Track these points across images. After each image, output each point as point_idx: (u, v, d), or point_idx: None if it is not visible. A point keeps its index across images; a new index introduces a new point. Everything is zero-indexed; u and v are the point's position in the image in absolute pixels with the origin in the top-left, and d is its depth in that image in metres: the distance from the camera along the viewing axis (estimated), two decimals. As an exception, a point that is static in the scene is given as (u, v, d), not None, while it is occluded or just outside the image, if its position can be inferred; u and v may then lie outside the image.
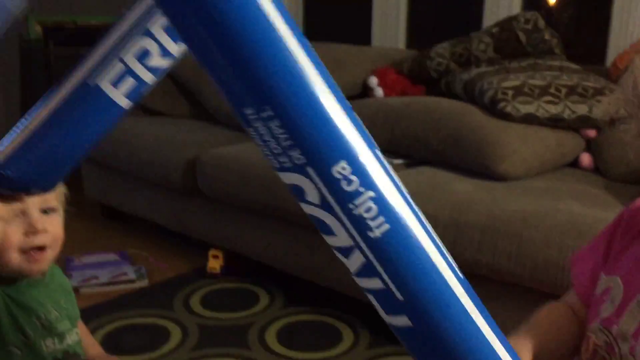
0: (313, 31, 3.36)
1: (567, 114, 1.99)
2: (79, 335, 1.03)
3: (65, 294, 1.03)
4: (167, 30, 0.69)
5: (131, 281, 2.29)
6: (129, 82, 0.69)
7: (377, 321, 1.76)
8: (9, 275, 0.94)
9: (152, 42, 0.68)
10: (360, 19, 3.09)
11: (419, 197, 1.77)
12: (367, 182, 0.45)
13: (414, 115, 2.15)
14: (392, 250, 0.46)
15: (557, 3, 2.88)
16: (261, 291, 2.26)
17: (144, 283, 2.31)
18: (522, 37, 2.29)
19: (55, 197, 0.96)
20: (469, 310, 0.48)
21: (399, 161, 2.19)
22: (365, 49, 2.76)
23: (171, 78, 3.00)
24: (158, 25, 0.68)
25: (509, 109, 1.97)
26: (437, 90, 2.37)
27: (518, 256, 1.57)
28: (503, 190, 1.78)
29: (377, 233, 0.46)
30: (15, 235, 0.90)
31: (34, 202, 0.91)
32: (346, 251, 0.48)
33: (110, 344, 1.87)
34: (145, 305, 2.14)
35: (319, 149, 0.45)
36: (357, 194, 0.45)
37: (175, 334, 1.97)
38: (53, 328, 0.97)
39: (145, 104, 2.97)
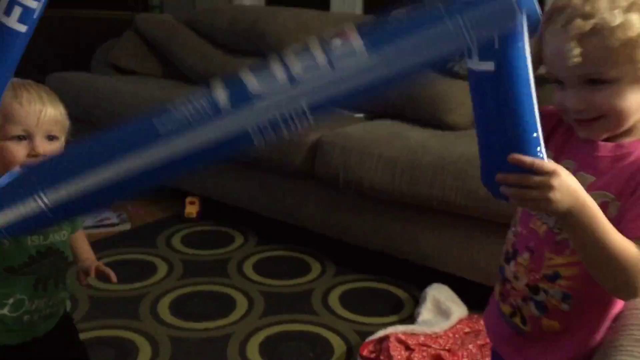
0: (276, -3, 3.56)
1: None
2: (67, 237, 1.19)
3: None
4: None
5: (114, 224, 2.49)
6: (17, 10, 0.93)
7: (340, 254, 2.07)
8: None
9: None
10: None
11: (380, 143, 2.07)
12: None
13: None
14: None
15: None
16: (236, 232, 2.50)
17: (126, 227, 2.50)
18: None
19: (61, 126, 1.15)
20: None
21: (360, 115, 2.45)
22: (327, 13, 2.98)
23: (142, 38, 3.15)
24: None
25: (456, 67, 2.25)
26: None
27: (463, 191, 1.86)
28: (451, 137, 2.07)
29: None
30: (20, 154, 1.08)
31: (38, 128, 1.09)
32: None
33: (101, 277, 2.07)
34: (131, 244, 2.34)
35: None
36: None
37: (162, 268, 2.19)
38: (49, 236, 1.13)
39: (117, 64, 3.12)
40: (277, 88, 0.65)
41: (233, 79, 0.66)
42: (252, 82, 0.65)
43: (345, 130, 2.17)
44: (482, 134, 0.77)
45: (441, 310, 1.85)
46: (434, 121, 2.20)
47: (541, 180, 0.71)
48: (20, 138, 1.06)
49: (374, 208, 2.09)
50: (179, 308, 1.94)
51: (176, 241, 2.41)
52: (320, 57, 0.64)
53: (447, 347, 1.68)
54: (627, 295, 0.81)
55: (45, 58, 3.27)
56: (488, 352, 1.29)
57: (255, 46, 2.82)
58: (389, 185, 1.98)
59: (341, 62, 0.64)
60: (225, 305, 1.97)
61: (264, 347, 1.76)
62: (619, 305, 0.87)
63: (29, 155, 1.07)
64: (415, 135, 2.12)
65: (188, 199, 2.61)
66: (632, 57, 0.77)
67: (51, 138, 1.09)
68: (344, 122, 2.30)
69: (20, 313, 1.12)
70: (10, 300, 1.11)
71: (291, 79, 0.64)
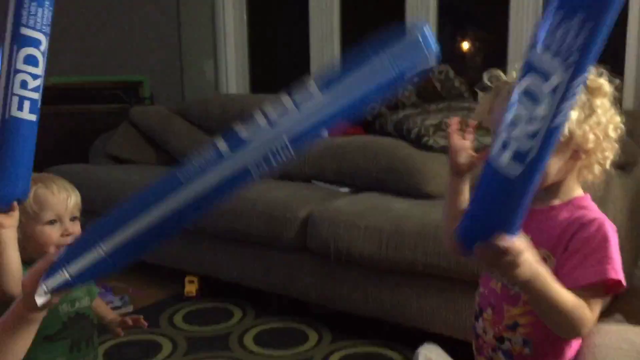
0: (258, 84, 3.82)
1: (476, 144, 2.50)
2: (89, 304, 1.36)
3: None
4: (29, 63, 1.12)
5: (117, 307, 2.59)
6: (27, 104, 1.14)
7: (336, 322, 2.22)
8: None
9: (25, 74, 1.12)
10: (300, 70, 3.57)
11: (366, 214, 2.24)
12: None
13: (355, 151, 2.61)
14: None
15: (466, 53, 3.48)
16: (234, 307, 2.62)
17: (128, 309, 2.61)
18: (438, 85, 2.82)
19: (79, 209, 1.34)
20: None
21: (345, 189, 2.63)
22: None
23: (137, 128, 3.35)
24: (21, 61, 1.12)
25: (430, 142, 2.46)
26: (372, 129, 2.85)
27: (444, 254, 2.02)
28: (430, 205, 2.25)
29: None
30: (54, 236, 1.27)
31: (66, 212, 1.29)
32: None
33: (111, 358, 2.17)
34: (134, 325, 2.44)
35: None
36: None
37: (166, 346, 2.29)
38: (67, 296, 1.28)
39: (116, 155, 3.31)
40: (261, 132, 0.85)
41: (229, 132, 0.87)
42: (242, 131, 0.85)
43: (334, 205, 2.35)
44: (476, 205, 0.86)
45: (434, 369, 1.96)
46: (414, 191, 2.38)
47: (510, 260, 0.83)
48: (52, 222, 1.24)
49: (364, 276, 2.24)
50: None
51: (178, 319, 2.52)
52: (288, 103, 0.84)
53: (441, 403, 1.79)
54: (572, 335, 0.97)
55: (44, 152, 3.44)
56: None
57: (244, 131, 3.03)
58: (376, 253, 2.14)
59: (304, 104, 0.84)
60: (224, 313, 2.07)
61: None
62: (574, 344, 1.02)
63: (61, 236, 1.24)
64: (398, 205, 2.30)
65: (187, 278, 2.74)
66: None
67: (74, 219, 1.27)
68: (332, 197, 2.48)
69: None
70: None
71: (270, 123, 0.84)
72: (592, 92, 0.96)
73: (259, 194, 2.53)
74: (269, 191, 2.56)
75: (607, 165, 1.00)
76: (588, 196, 1.01)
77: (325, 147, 2.72)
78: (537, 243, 0.98)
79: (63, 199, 1.27)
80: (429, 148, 2.47)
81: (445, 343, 2.08)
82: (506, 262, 0.83)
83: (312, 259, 2.36)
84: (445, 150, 2.49)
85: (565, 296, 0.91)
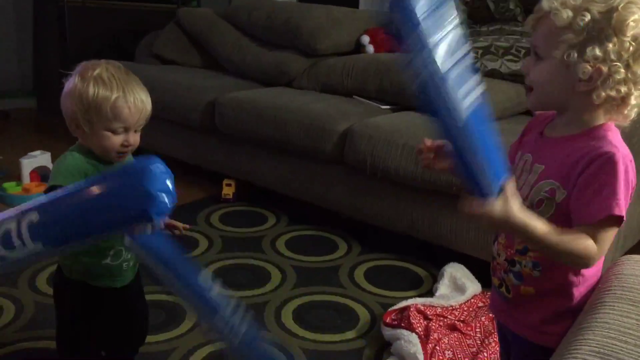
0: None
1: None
2: None
3: None
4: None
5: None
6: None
7: (365, 235, 2.30)
8: (107, 161, 1.35)
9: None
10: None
11: (405, 133, 2.25)
12: None
13: (400, 69, 2.58)
14: None
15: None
16: (269, 213, 2.71)
17: (168, 205, 2.72)
18: (491, 6, 2.73)
19: (146, 120, 1.37)
20: None
21: (386, 107, 2.63)
22: (358, 11, 3.16)
23: (183, 30, 3.36)
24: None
25: (478, 65, 2.42)
26: (419, 48, 2.80)
27: (480, 178, 2.04)
28: (471, 129, 2.24)
29: None
30: (117, 144, 1.32)
31: (134, 126, 1.33)
32: None
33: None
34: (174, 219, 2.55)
35: None
36: None
37: (203, 242, 2.41)
38: None
39: (161, 55, 3.34)
40: None
41: None
42: None
43: (374, 121, 2.36)
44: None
45: (457, 286, 2.04)
46: (456, 114, 2.37)
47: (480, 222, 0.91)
48: (118, 132, 1.28)
49: (398, 192, 2.28)
50: (219, 277, 2.15)
51: (215, 219, 2.62)
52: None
53: (461, 319, 1.87)
54: (578, 267, 1.01)
55: (95, 46, 3.50)
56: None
57: (289, 40, 3.01)
58: (412, 171, 2.16)
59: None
60: (260, 276, 2.18)
61: (297, 313, 1.96)
62: (587, 271, 1.05)
63: (122, 145, 1.29)
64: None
65: (225, 182, 2.82)
66: (556, 43, 0.96)
67: (137, 131, 1.32)
68: (373, 114, 2.49)
69: (120, 262, 1.36)
70: (112, 252, 1.34)
71: None
72: (615, 27, 0.93)
73: (300, 104, 2.56)
74: (310, 103, 2.58)
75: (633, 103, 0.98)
76: (610, 125, 1.00)
77: (369, 63, 2.70)
78: (549, 173, 1.00)
79: (136, 114, 1.29)
80: (475, 70, 2.42)
81: (471, 264, 2.15)
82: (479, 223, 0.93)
83: (348, 172, 2.41)
84: (493, 74, 2.46)
85: (557, 237, 0.94)
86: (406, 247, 2.37)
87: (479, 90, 0.93)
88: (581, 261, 0.97)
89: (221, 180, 2.84)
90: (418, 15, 0.83)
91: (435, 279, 2.17)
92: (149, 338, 1.64)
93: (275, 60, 2.95)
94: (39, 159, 2.82)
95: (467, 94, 0.91)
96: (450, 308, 1.90)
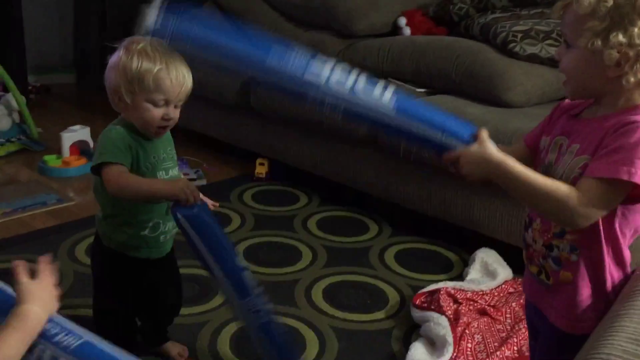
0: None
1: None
2: (178, 173, 1.49)
3: (170, 143, 1.47)
4: None
5: (192, 179, 2.75)
6: None
7: (397, 218, 2.30)
8: (145, 134, 1.38)
9: None
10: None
11: (441, 115, 2.22)
12: None
13: (437, 52, 2.56)
14: None
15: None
16: (301, 193, 2.73)
17: (202, 182, 2.77)
18: (533, -12, 2.67)
19: (186, 96, 1.39)
20: None
21: (421, 90, 2.61)
22: (395, -8, 3.12)
23: (219, 8, 3.37)
24: None
25: (517, 48, 2.38)
26: (457, 31, 2.77)
27: (516, 163, 2.02)
28: (507, 114, 2.22)
29: None
30: (157, 116, 1.35)
31: (175, 100, 1.35)
32: None
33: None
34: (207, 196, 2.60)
35: None
36: None
37: (235, 219, 2.45)
38: (162, 164, 1.42)
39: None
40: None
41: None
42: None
43: (408, 103, 2.35)
44: None
45: (488, 272, 2.03)
46: (492, 98, 2.34)
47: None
48: (159, 104, 1.31)
49: (431, 176, 2.27)
50: (251, 254, 2.19)
51: (247, 197, 2.66)
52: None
53: (492, 304, 1.87)
54: (563, 223, 1.01)
55: (132, 24, 3.54)
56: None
57: (325, 21, 2.99)
58: (447, 155, 2.15)
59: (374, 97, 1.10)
60: (291, 255, 2.21)
61: (327, 292, 1.99)
62: (626, 253, 1.04)
63: (162, 119, 1.32)
64: (473, 110, 2.27)
65: (258, 160, 2.85)
66: (581, 31, 0.95)
67: (176, 106, 1.35)
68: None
69: (157, 234, 1.40)
70: (150, 224, 1.38)
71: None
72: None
73: (335, 85, 2.55)
74: (345, 84, 2.58)
75: None
76: None
77: (406, 46, 2.67)
78: (583, 149, 1.00)
79: (177, 87, 1.32)
80: (514, 55, 2.38)
81: (503, 249, 2.14)
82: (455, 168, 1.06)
83: (381, 155, 2.40)
84: (532, 58, 2.41)
85: (546, 183, 0.97)
86: (437, 230, 2.37)
87: (390, 89, 1.10)
88: (562, 212, 0.96)
89: (254, 159, 2.87)
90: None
91: (465, 263, 2.17)
92: (182, 310, 1.68)
93: (311, 41, 2.94)
94: (79, 133, 2.88)
95: (381, 93, 1.09)
96: (481, 293, 1.90)
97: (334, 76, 1.09)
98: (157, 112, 1.33)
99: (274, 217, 2.49)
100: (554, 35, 2.43)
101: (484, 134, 1.06)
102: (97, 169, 1.33)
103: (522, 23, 2.48)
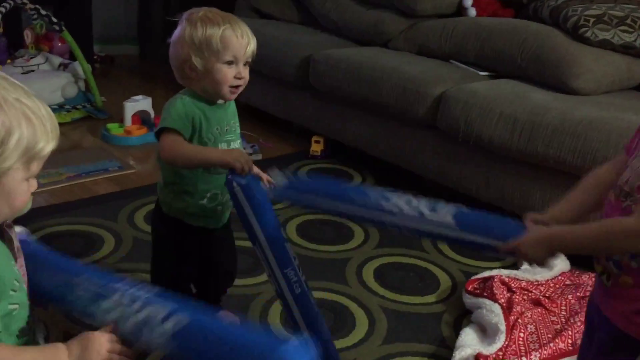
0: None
1: (638, 42, 2.30)
2: (241, 145, 1.50)
3: (234, 117, 1.49)
4: None
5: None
6: None
7: (451, 202, 2.22)
8: (211, 99, 1.40)
9: None
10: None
11: (502, 101, 2.19)
12: None
13: (503, 34, 2.49)
14: None
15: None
16: (355, 172, 2.73)
17: (258, 157, 2.80)
18: (609, -29, 2.55)
19: (252, 55, 1.40)
20: None
21: (484, 73, 2.55)
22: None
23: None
24: None
25: (588, 34, 2.29)
26: (525, 14, 2.68)
27: (581, 152, 1.95)
28: (575, 101, 2.14)
29: None
30: (229, 76, 1.37)
31: (243, 57, 1.36)
32: None
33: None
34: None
35: None
36: None
37: (289, 195, 2.46)
38: (225, 136, 1.43)
39: (259, 9, 3.38)
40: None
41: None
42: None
43: (470, 86, 2.30)
44: None
45: (544, 262, 1.98)
46: (559, 85, 2.26)
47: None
48: (229, 63, 1.33)
49: (490, 162, 2.23)
50: (304, 231, 2.20)
51: (302, 174, 2.67)
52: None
53: (547, 295, 1.82)
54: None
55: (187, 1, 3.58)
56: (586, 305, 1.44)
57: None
58: (507, 141, 2.10)
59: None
60: (343, 234, 2.21)
61: (378, 272, 1.99)
62: None
63: (235, 77, 1.34)
64: (538, 96, 2.21)
65: (314, 138, 2.86)
66: None
67: (246, 64, 1.36)
68: (469, 79, 2.42)
69: (215, 204, 1.43)
70: (208, 194, 1.41)
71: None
72: None
73: (395, 66, 2.52)
74: (405, 64, 2.54)
75: None
76: None
77: (470, 27, 2.61)
78: None
79: (244, 44, 1.34)
80: (585, 40, 2.29)
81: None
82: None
83: (439, 138, 2.37)
84: (604, 44, 2.32)
85: (601, 230, 0.98)
86: (493, 217, 2.32)
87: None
88: (630, 241, 0.95)
89: (310, 137, 2.87)
90: None
91: (521, 252, 2.12)
92: (236, 281, 1.71)
93: (373, 19, 2.91)
94: (141, 103, 2.95)
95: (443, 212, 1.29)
96: (536, 283, 1.86)
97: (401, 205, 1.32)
98: (230, 72, 1.35)
99: (327, 195, 2.50)
100: (628, 21, 2.32)
101: (531, 219, 1.14)
102: (158, 136, 1.36)
103: (595, 7, 2.38)
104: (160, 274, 1.57)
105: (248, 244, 1.98)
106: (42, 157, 0.83)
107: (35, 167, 0.83)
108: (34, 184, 0.86)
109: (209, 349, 0.83)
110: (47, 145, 0.82)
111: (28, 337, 0.89)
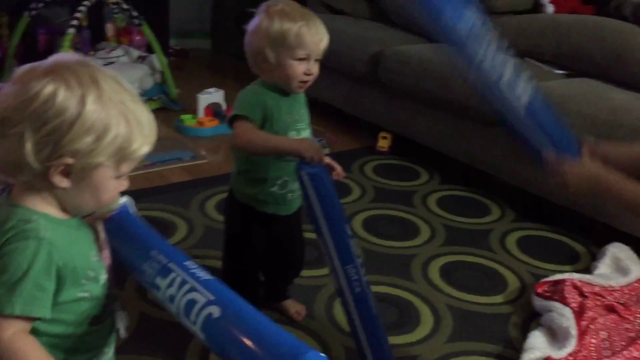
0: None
1: None
2: (310, 134, 1.52)
3: (304, 106, 1.51)
4: None
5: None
6: None
7: (522, 204, 2.20)
8: (283, 91, 1.43)
9: None
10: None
11: (580, 100, 2.12)
12: None
13: (582, 32, 2.41)
14: None
15: None
16: (422, 169, 2.71)
17: (325, 151, 2.81)
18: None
19: (324, 51, 1.42)
20: None
21: (560, 72, 2.48)
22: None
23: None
24: None
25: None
26: (606, 11, 2.58)
27: (663, 155, 1.87)
28: (658, 102, 2.05)
29: None
30: (300, 71, 1.39)
31: (315, 54, 1.38)
32: None
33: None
34: (330, 167, 2.65)
35: None
36: None
37: (356, 190, 2.48)
38: (296, 124, 1.46)
39: (330, 4, 3.40)
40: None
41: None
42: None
43: (546, 85, 2.24)
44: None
45: (620, 268, 1.91)
46: (640, 84, 2.18)
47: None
48: (301, 59, 1.36)
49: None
50: (369, 226, 2.21)
51: (368, 169, 2.68)
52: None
53: (621, 301, 1.76)
54: None
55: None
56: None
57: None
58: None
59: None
60: (409, 230, 2.21)
61: (444, 270, 1.97)
62: None
63: (305, 74, 1.37)
64: (618, 95, 2.13)
65: (381, 134, 2.86)
66: None
67: (316, 60, 1.38)
68: (545, 77, 2.36)
69: (285, 191, 1.47)
70: (279, 181, 1.45)
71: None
72: None
73: (467, 62, 2.48)
74: (478, 61, 2.50)
75: None
76: None
77: (547, 24, 2.54)
78: None
79: (318, 41, 1.37)
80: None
81: (637, 247, 2.01)
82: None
83: (511, 136, 2.31)
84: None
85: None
86: (564, 219, 2.26)
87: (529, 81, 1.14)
88: None
89: (377, 132, 2.87)
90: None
91: (593, 256, 2.06)
92: (302, 272, 1.74)
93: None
94: (214, 95, 3.03)
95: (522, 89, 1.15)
96: (610, 288, 1.80)
97: (489, 57, 1.16)
98: (300, 68, 1.38)
99: (393, 191, 2.50)
100: None
101: (589, 147, 1.12)
102: (230, 123, 1.41)
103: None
104: (231, 261, 1.62)
105: (315, 235, 2.02)
106: (134, 159, 0.85)
107: (126, 167, 0.85)
108: (124, 184, 0.88)
109: (233, 346, 0.82)
110: (141, 148, 0.84)
111: (103, 324, 0.92)
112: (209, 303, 0.86)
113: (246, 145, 1.39)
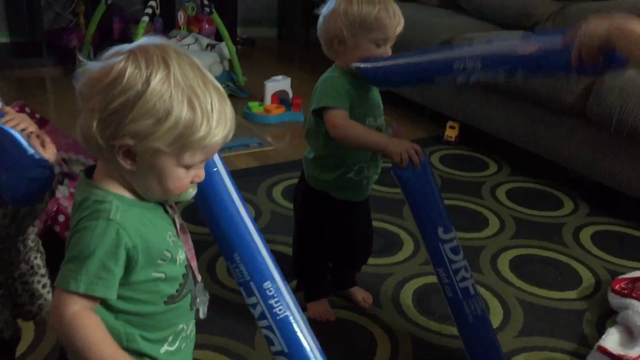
0: None
1: None
2: (384, 121, 1.51)
3: (377, 93, 1.50)
4: None
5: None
6: None
7: (596, 198, 2.10)
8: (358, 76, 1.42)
9: None
10: None
11: None
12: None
13: None
14: None
15: None
16: (490, 160, 2.65)
17: (391, 140, 2.80)
18: None
19: (399, 32, 1.40)
20: None
21: (642, 60, 2.36)
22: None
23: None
24: None
25: None
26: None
27: None
28: None
29: None
30: (378, 55, 1.37)
31: (393, 34, 1.37)
32: None
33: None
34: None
35: None
36: None
37: (422, 180, 2.44)
38: (372, 111, 1.46)
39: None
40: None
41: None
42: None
43: (627, 73, 2.13)
44: None
45: None
46: None
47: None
48: (379, 44, 1.35)
49: (645, 155, 2.07)
50: (437, 216, 2.18)
51: (435, 159, 2.64)
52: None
53: None
54: None
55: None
56: None
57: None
58: (668, 134, 1.94)
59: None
60: (478, 221, 2.16)
61: (514, 263, 1.92)
62: None
63: (381, 57, 1.36)
64: None
65: (449, 124, 2.81)
66: None
67: (391, 44, 1.37)
68: (626, 65, 2.25)
69: (361, 178, 1.47)
70: (356, 167, 1.45)
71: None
72: None
73: (542, 50, 2.40)
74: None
75: None
76: None
77: (630, 10, 2.41)
78: None
79: (396, 24, 1.37)
80: None
81: None
82: None
83: (588, 127, 2.23)
84: None
85: None
86: (642, 215, 2.16)
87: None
88: None
89: (444, 122, 2.83)
90: None
91: (675, 255, 1.96)
92: (369, 260, 1.74)
93: (522, 2, 2.79)
94: (281, 83, 3.06)
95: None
96: (693, 288, 1.71)
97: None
98: (378, 51, 1.38)
99: (461, 182, 2.45)
100: None
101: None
102: (318, 113, 1.40)
103: None
104: (302, 247, 1.63)
105: (380, 224, 2.01)
106: (199, 148, 0.80)
107: (189, 157, 0.80)
108: (199, 174, 0.84)
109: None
110: (207, 138, 0.79)
111: (179, 304, 0.91)
112: (282, 354, 1.05)
113: (344, 135, 1.36)
